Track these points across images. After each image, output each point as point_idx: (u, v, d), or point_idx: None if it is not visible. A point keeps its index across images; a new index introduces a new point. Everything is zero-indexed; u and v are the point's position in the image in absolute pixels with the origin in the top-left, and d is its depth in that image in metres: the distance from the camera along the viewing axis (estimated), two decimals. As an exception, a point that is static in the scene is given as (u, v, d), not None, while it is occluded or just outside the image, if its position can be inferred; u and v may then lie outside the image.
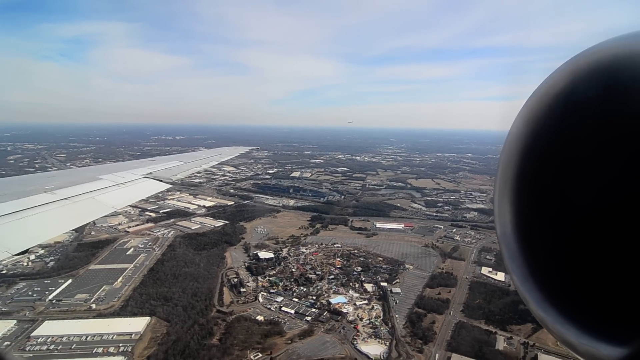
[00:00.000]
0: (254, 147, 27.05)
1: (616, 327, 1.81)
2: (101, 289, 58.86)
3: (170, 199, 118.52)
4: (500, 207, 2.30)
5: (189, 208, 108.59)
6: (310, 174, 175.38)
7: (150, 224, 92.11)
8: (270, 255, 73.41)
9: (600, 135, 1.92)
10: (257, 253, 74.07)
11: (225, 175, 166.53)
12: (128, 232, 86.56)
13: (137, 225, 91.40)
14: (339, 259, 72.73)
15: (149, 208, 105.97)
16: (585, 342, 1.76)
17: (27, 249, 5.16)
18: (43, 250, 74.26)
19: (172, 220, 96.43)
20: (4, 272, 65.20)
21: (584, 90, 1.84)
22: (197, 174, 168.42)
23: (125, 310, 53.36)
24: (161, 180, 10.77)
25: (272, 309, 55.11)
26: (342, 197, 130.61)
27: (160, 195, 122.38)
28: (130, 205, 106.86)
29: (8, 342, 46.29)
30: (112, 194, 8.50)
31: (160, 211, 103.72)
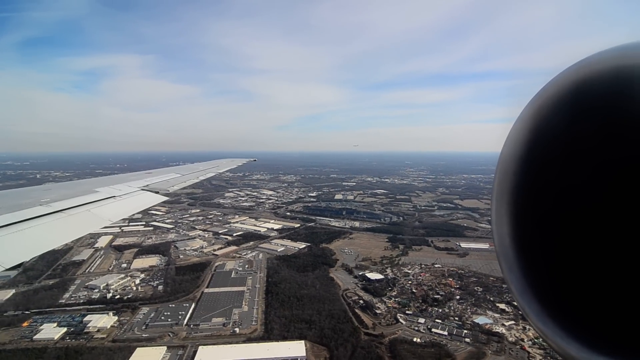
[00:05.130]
0: (252, 159, 27.34)
1: (617, 341, 1.78)
2: (232, 313, 56.66)
3: (234, 222, 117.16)
4: (497, 219, 2.28)
5: (259, 231, 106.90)
6: (353, 197, 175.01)
7: (233, 247, 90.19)
8: (379, 276, 71.51)
9: (603, 144, 1.90)
10: (364, 274, 72.19)
11: (270, 199, 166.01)
12: (216, 255, 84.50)
13: (221, 247, 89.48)
14: (450, 279, 70.96)
15: (220, 232, 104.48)
16: (585, 357, 1.72)
17: (21, 263, 4.89)
18: (144, 275, 72.27)
19: (251, 242, 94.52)
20: (117, 297, 63.04)
21: (586, 102, 1.81)
22: (242, 198, 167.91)
23: (272, 334, 50.94)
24: (157, 192, 10.63)
25: (420, 330, 52.91)
26: (401, 218, 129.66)
27: (221, 218, 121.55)
28: (202, 230, 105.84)
29: (170, 370, 43.87)
30: (109, 206, 8.35)
31: (234, 234, 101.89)
